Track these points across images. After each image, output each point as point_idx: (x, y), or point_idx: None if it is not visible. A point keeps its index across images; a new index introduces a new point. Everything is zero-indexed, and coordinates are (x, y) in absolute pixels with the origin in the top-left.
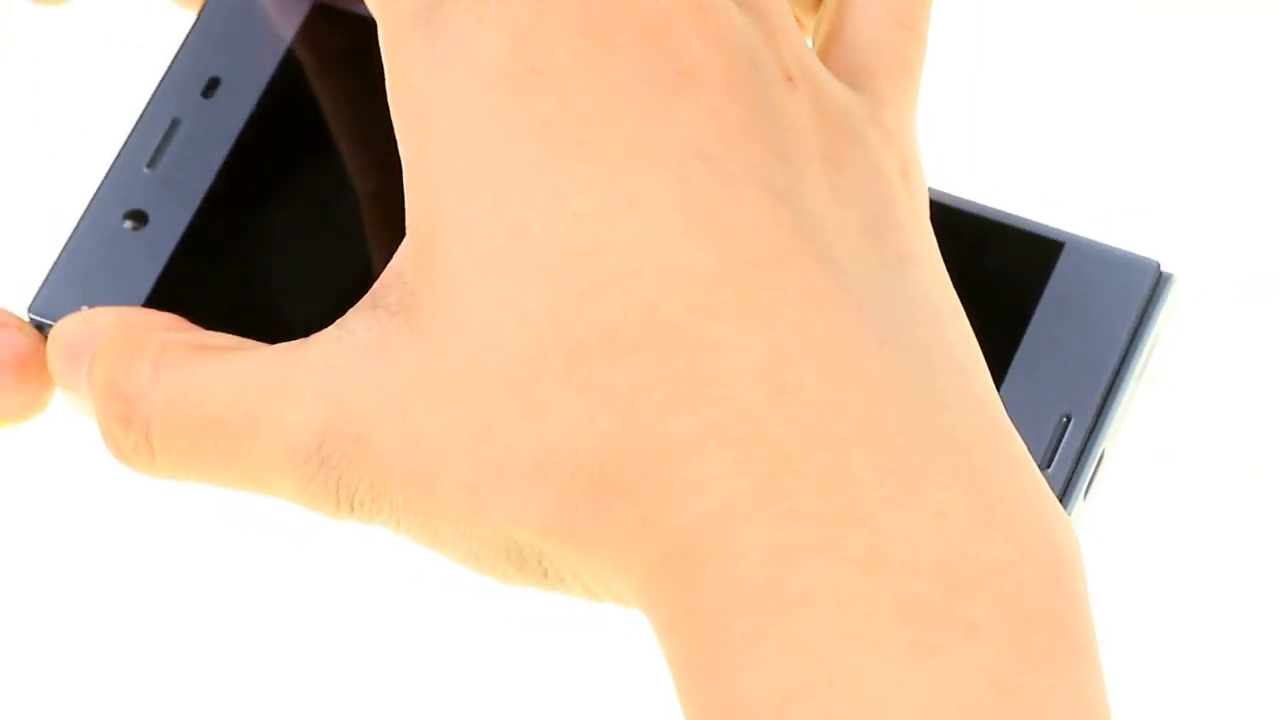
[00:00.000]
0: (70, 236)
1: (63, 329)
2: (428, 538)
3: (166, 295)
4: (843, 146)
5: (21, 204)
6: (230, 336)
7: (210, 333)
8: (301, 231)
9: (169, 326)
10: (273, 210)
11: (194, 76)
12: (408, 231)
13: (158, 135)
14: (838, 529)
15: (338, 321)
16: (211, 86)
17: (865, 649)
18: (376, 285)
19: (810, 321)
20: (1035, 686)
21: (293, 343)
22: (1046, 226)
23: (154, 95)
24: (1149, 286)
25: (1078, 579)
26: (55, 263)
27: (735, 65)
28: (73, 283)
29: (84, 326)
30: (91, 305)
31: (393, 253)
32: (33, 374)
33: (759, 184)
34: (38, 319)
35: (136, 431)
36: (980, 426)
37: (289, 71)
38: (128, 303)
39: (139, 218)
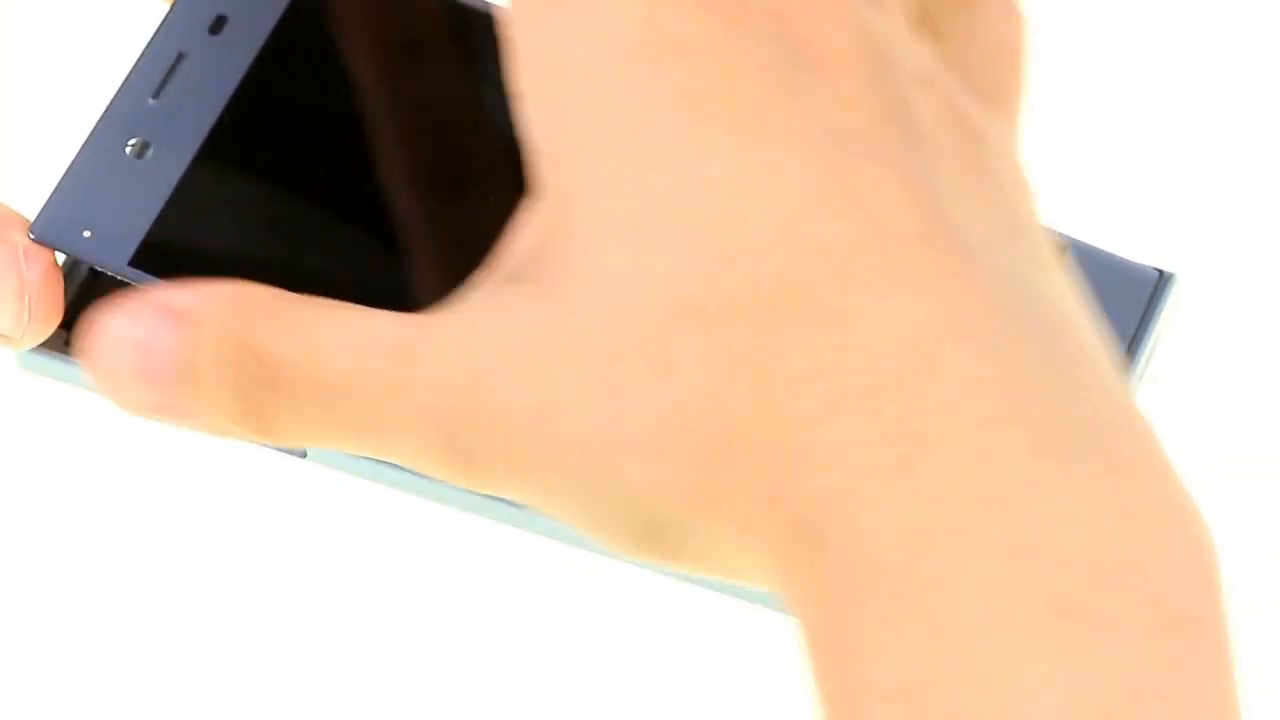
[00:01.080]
0: (72, 161)
1: (125, 320)
2: (553, 502)
3: (170, 225)
4: (971, 151)
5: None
6: (336, 301)
7: (333, 301)
8: (308, 170)
9: (275, 294)
10: (279, 148)
11: (201, 13)
12: (535, 200)
13: (163, 68)
14: (980, 511)
15: (462, 291)
16: (219, 24)
17: (1004, 640)
18: (498, 254)
19: (955, 299)
20: (1177, 691)
21: (416, 314)
22: (1049, 230)
23: (159, 29)
24: (1148, 294)
25: (1218, 578)
26: (57, 186)
27: (868, 57)
28: (74, 207)
29: (161, 308)
30: (93, 231)
31: (399, 190)
32: (24, 293)
33: (894, 166)
34: (38, 242)
35: (268, 392)
36: (1123, 416)
37: (298, 12)
38: (130, 231)
39: (143, 146)
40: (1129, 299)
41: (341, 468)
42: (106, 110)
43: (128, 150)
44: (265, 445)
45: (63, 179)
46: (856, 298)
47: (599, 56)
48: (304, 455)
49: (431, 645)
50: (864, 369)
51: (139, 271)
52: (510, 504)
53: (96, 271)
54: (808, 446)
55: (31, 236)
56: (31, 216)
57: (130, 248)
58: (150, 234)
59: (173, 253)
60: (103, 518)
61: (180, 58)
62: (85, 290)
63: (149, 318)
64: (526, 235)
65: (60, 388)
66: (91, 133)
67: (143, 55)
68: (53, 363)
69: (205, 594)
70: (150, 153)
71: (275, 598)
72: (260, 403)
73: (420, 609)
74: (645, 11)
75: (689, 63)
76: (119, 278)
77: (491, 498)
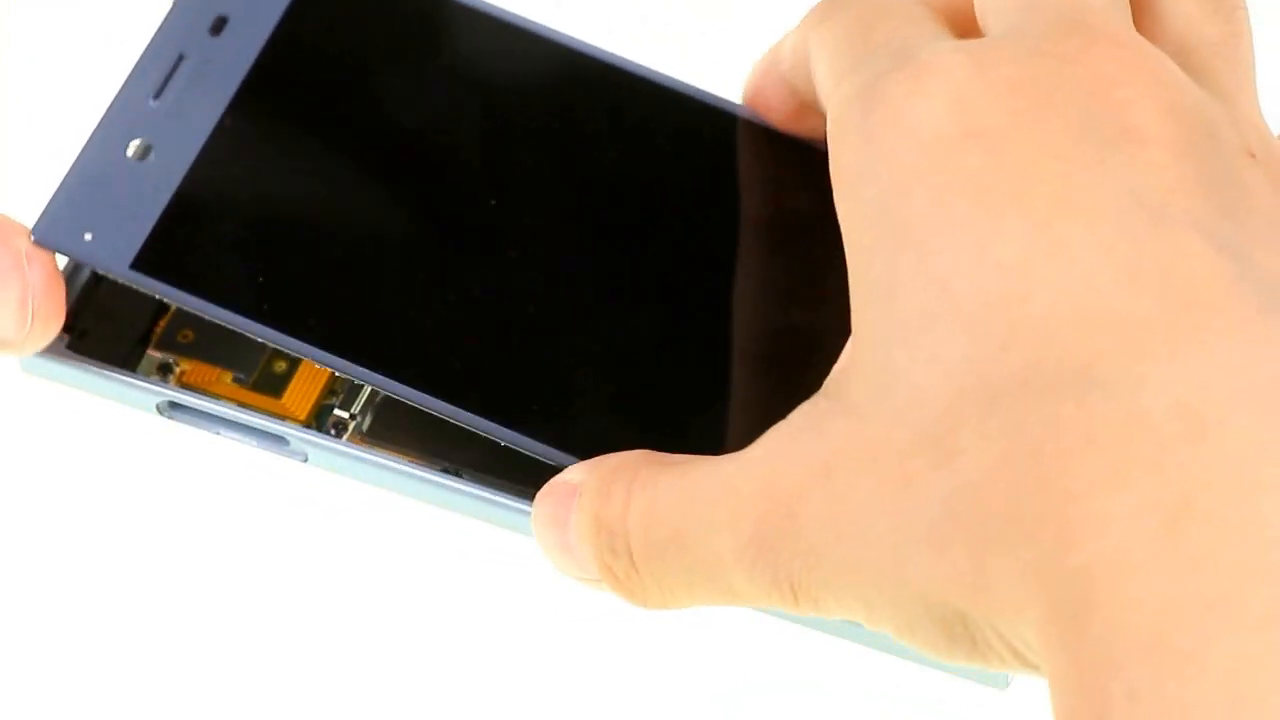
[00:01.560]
0: (73, 163)
1: (546, 499)
2: (862, 610)
3: (173, 227)
4: None
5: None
6: (688, 456)
7: (679, 455)
8: (311, 169)
9: (644, 459)
10: (281, 148)
11: (201, 13)
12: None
13: (164, 69)
14: (1239, 582)
15: (785, 419)
16: (219, 24)
17: None
18: (834, 370)
19: (1242, 365)
20: None
21: (741, 451)
22: None
23: (160, 29)
24: None
25: None
26: (58, 189)
27: (1188, 131)
28: (76, 209)
29: (561, 487)
30: (94, 234)
31: (393, 199)
32: (27, 302)
33: (1199, 232)
34: (39, 244)
35: (622, 559)
36: None
37: (298, 12)
38: (132, 234)
39: (145, 148)
40: None
41: (342, 471)
42: (107, 111)
43: (129, 152)
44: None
45: (64, 181)
46: (1138, 367)
47: (902, 150)
48: (305, 459)
49: (430, 647)
50: (1135, 438)
51: (140, 275)
52: (515, 512)
53: (98, 275)
54: (1072, 520)
55: (33, 239)
56: (31, 221)
57: (132, 251)
58: (152, 237)
59: (175, 256)
60: (104, 519)
61: (181, 59)
62: (87, 294)
63: (557, 489)
64: (842, 358)
65: (62, 391)
66: (92, 134)
67: (143, 56)
68: (55, 366)
69: (207, 596)
70: (152, 155)
71: (276, 599)
72: (616, 568)
73: (420, 611)
74: (952, 104)
75: (989, 148)
76: (120, 281)
77: (492, 504)
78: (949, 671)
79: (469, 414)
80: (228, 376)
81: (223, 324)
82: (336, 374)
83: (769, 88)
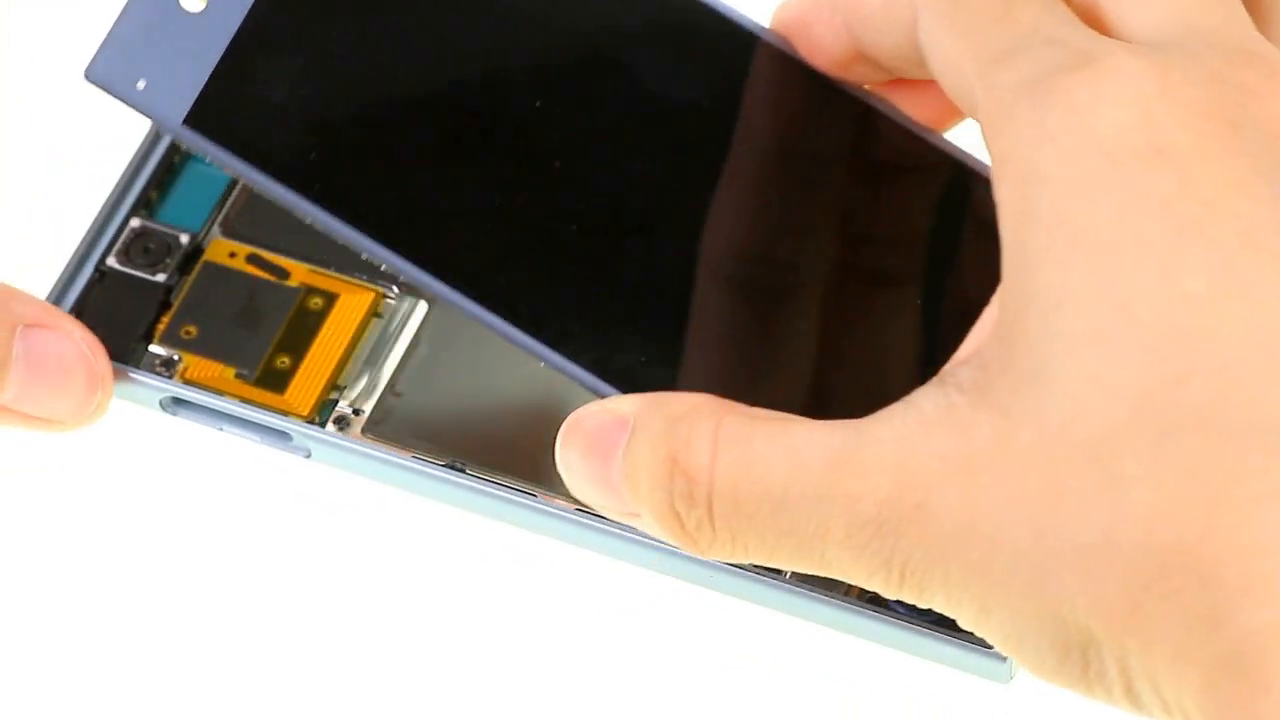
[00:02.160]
0: (125, 8)
1: (583, 426)
2: (974, 611)
3: (226, 85)
4: None
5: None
6: (773, 412)
7: (759, 410)
8: (371, 42)
9: (722, 407)
10: (340, 14)
11: None
12: (998, 308)
13: None
14: None
15: (904, 400)
16: None
17: None
18: (948, 365)
19: None
20: None
21: (854, 421)
22: None
23: None
24: None
25: None
26: (110, 32)
27: None
28: (129, 55)
29: (606, 416)
30: (148, 82)
31: (453, 89)
32: (97, 389)
33: None
34: (94, 83)
35: (699, 507)
36: None
37: None
38: (186, 86)
39: None
40: None
41: (346, 467)
42: None
43: (183, 2)
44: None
45: (116, 25)
46: None
47: (1079, 159)
48: (309, 455)
49: (432, 643)
50: None
51: (193, 133)
52: (519, 507)
53: (101, 270)
54: (1258, 575)
55: (88, 79)
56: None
57: (185, 105)
58: (206, 93)
59: (228, 116)
60: (108, 516)
61: None
62: (89, 289)
63: (598, 417)
64: (974, 344)
65: None
66: None
67: None
68: None
69: (211, 593)
70: (208, 6)
71: (280, 596)
72: (686, 516)
73: (423, 608)
74: (1141, 116)
75: (1178, 171)
76: (173, 138)
77: (497, 499)
78: (952, 666)
79: (509, 326)
80: (230, 372)
81: (272, 198)
82: (387, 269)
83: (818, 24)
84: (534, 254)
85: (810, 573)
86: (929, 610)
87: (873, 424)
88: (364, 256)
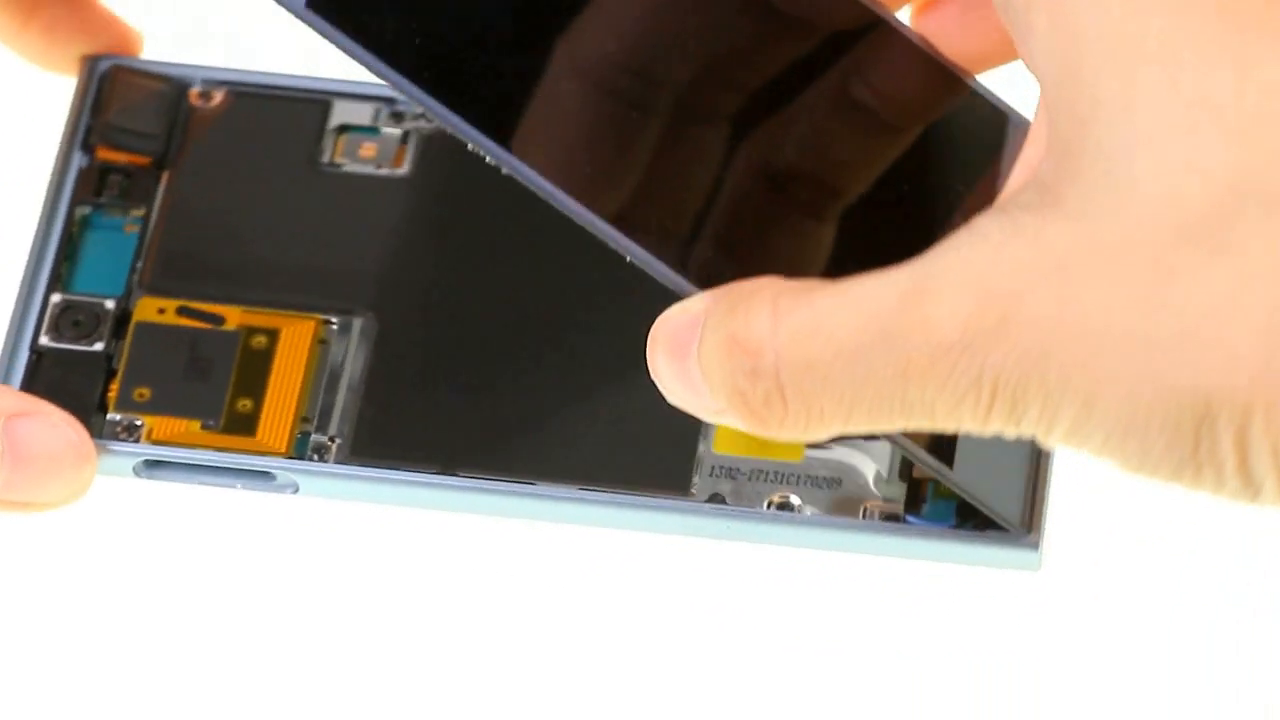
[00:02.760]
0: None
1: (664, 327)
2: (1074, 412)
3: None
4: None
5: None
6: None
7: (809, 281)
8: None
9: (783, 282)
10: None
11: None
12: (1049, 130)
13: None
14: None
15: (964, 228)
16: None
17: None
18: (1001, 198)
19: None
20: None
21: (912, 260)
22: None
23: None
24: None
25: None
26: None
27: None
28: None
29: (683, 315)
30: None
31: None
32: (85, 467)
33: None
34: None
35: (765, 380)
36: None
37: None
38: None
39: None
40: None
41: (335, 494)
42: None
43: None
44: (773, 436)
45: None
46: None
47: None
48: (296, 490)
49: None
50: None
51: (315, 16)
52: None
53: (38, 351)
54: None
55: None
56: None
57: None
58: None
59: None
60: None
61: None
62: (31, 373)
63: (676, 318)
64: (1027, 172)
65: None
66: None
67: None
68: None
69: (220, 648)
70: None
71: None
72: (753, 393)
73: (444, 615)
74: None
75: None
76: (297, 18)
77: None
78: (982, 563)
79: (599, 219)
80: (195, 425)
81: (390, 84)
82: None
83: None
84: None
85: (890, 428)
86: (949, 515)
87: (937, 255)
88: (470, 147)
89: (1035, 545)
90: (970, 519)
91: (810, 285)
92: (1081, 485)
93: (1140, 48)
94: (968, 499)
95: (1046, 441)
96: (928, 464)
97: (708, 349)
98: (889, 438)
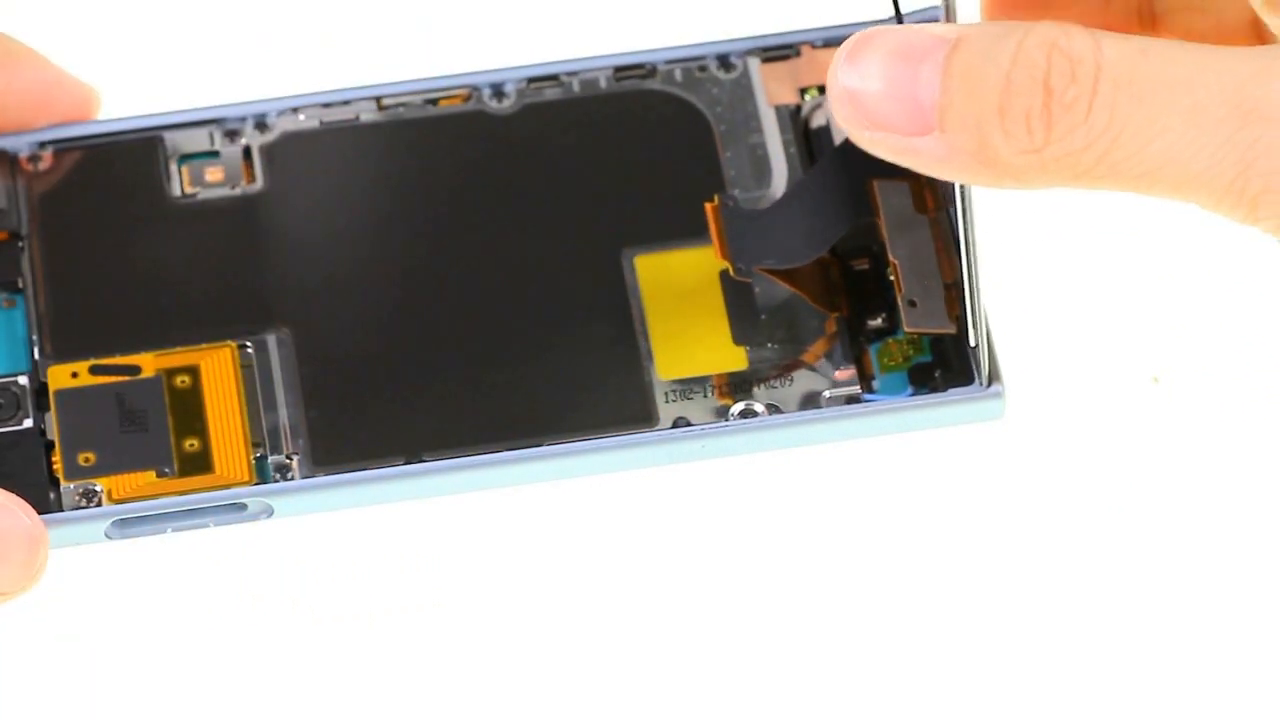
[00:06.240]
0: None
1: (889, 35)
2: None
3: None
4: None
5: None
6: None
7: None
8: None
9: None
10: None
11: None
12: None
13: None
14: None
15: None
16: None
17: None
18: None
19: None
20: None
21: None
22: None
23: None
24: None
25: None
26: None
27: None
28: None
29: (918, 32)
30: None
31: None
32: (39, 550)
33: None
34: None
35: (1081, 85)
36: None
37: None
38: None
39: None
40: None
41: (312, 508)
42: None
43: None
44: (1025, 172)
45: None
46: None
47: None
48: (270, 514)
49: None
50: None
51: None
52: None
53: None
54: None
55: None
56: None
57: None
58: None
59: None
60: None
61: None
62: None
63: (912, 31)
64: None
65: None
66: None
67: None
68: None
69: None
70: None
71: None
72: (1063, 93)
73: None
74: None
75: None
76: None
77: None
78: (947, 423)
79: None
80: (151, 475)
81: None
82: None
83: None
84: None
85: (1166, 182)
86: (903, 385)
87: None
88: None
89: (999, 393)
90: (925, 383)
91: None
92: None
93: None
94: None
95: None
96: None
97: (986, 58)
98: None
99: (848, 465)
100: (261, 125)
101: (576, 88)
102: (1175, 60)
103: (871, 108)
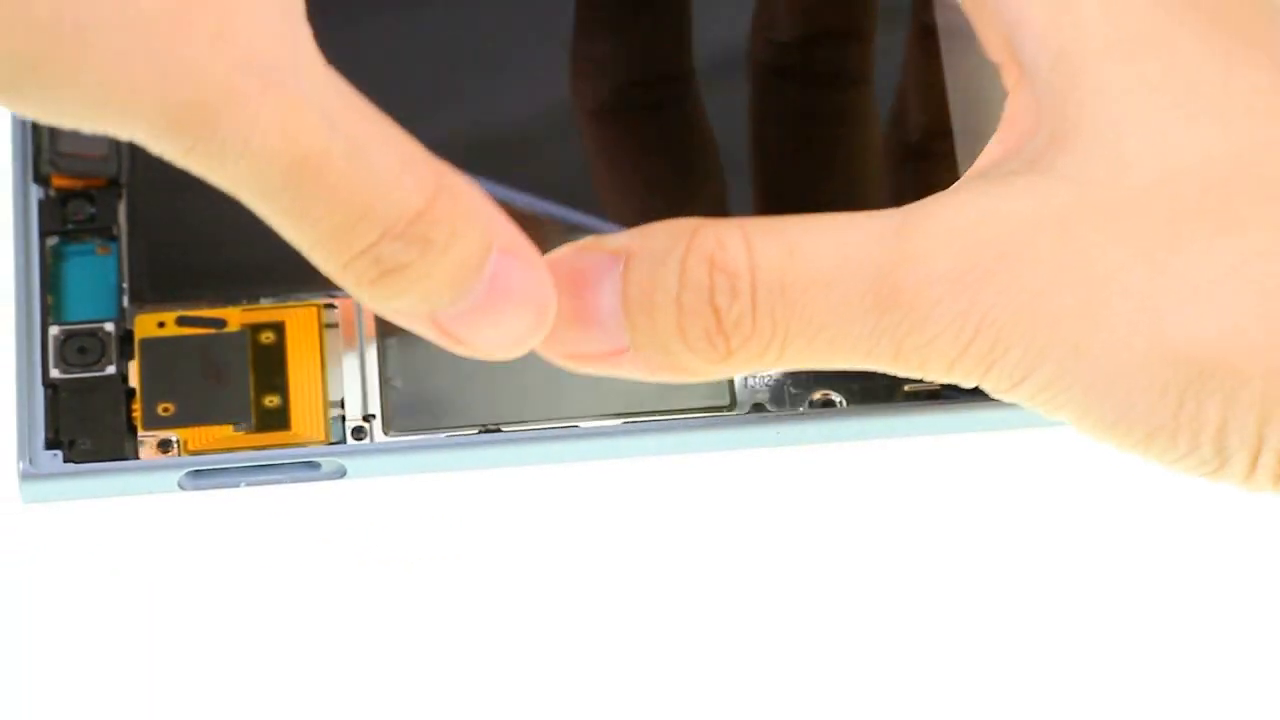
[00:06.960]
0: None
1: (562, 263)
2: (1060, 358)
3: None
4: None
5: None
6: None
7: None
8: None
9: (735, 220)
10: None
11: None
12: (1039, 111)
13: None
14: None
15: (948, 189)
16: None
17: None
18: (977, 168)
19: None
20: None
21: (899, 208)
22: None
23: None
24: None
25: None
26: None
27: None
28: None
29: (585, 254)
30: None
31: None
32: (547, 320)
33: None
34: None
35: (742, 300)
36: None
37: None
38: None
39: None
40: None
41: (384, 471)
42: None
43: None
44: (720, 372)
45: None
46: None
47: None
48: (344, 475)
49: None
50: None
51: None
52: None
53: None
54: None
55: None
56: None
57: None
58: None
59: None
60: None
61: None
62: (52, 406)
63: (581, 254)
64: (1014, 143)
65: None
66: None
67: None
68: (62, 484)
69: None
70: None
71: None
72: (739, 313)
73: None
74: None
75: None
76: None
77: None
78: (1022, 425)
79: None
80: (228, 429)
81: None
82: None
83: None
84: None
85: (844, 363)
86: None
87: (926, 203)
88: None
89: None
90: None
91: (767, 219)
92: None
93: (1141, 41)
94: None
95: (1011, 393)
96: None
97: (654, 281)
98: None
99: (923, 460)
100: None
101: None
102: (820, 255)
103: (560, 342)
